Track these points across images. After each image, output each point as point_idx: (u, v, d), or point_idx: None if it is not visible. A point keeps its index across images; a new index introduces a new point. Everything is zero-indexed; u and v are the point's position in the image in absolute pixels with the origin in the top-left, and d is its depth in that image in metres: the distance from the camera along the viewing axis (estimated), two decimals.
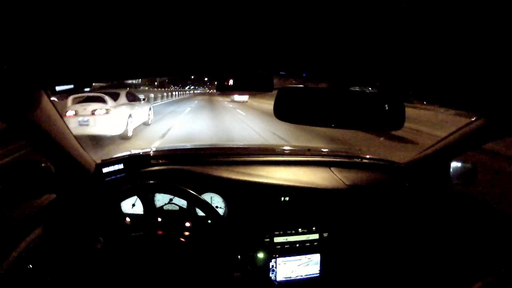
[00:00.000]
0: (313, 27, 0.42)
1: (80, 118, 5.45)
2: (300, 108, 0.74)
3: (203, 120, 9.66)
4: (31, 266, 0.83)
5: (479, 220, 1.21)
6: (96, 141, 5.51)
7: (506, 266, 1.07)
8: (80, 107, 5.64)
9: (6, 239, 0.84)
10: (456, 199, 1.27)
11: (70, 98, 5.86)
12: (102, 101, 5.84)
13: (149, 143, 5.87)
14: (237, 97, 21.96)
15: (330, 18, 0.39)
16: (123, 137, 6.07)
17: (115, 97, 6.22)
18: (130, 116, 6.31)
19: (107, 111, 5.67)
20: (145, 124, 7.81)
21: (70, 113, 5.51)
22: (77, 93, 5.88)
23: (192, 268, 0.86)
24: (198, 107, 15.81)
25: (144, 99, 7.93)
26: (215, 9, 0.37)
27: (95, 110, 5.59)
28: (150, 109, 8.41)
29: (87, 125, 5.47)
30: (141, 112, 7.37)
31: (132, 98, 7.13)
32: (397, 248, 1.31)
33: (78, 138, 1.03)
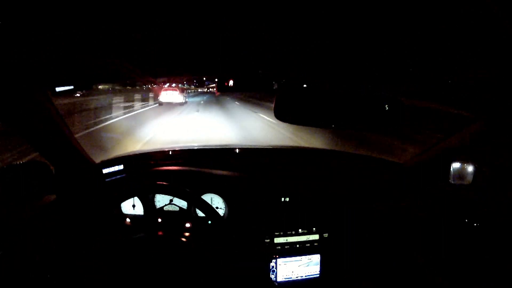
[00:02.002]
0: (314, 28, 0.42)
1: (169, 95, 15.21)
2: (300, 109, 0.74)
3: None
4: (30, 267, 0.83)
5: (478, 220, 1.20)
6: (173, 105, 14.56)
7: (505, 266, 1.07)
8: (168, 91, 15.35)
9: (6, 239, 0.84)
10: (456, 199, 1.27)
11: (163, 87, 15.74)
12: (176, 90, 15.53)
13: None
14: None
15: (330, 19, 0.39)
16: (181, 104, 15.32)
17: (179, 89, 16.36)
18: (184, 96, 16.55)
19: (178, 94, 15.53)
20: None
21: (164, 93, 15.23)
22: (164, 85, 17.06)
23: (192, 268, 0.86)
24: None
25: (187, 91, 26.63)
26: (216, 9, 0.37)
27: (173, 93, 15.34)
28: (187, 96, 20.05)
29: (170, 98, 15.07)
30: (186, 95, 19.16)
31: (182, 90, 17.64)
32: (397, 248, 1.31)
33: (81, 138, 1.03)
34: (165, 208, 1.19)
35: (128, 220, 1.18)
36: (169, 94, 15.22)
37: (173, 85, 16.19)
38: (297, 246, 1.20)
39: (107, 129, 7.62)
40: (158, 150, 1.47)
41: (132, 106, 13.76)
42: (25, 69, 0.56)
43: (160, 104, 14.95)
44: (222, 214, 1.20)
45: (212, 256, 0.88)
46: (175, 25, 0.42)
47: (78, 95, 12.28)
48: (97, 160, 1.21)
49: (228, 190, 1.20)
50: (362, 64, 0.59)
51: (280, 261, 1.18)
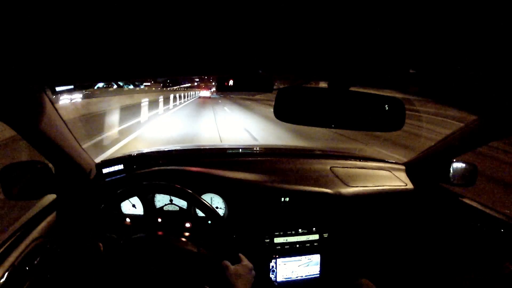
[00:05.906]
0: (313, 27, 0.42)
1: (203, 93, 32.50)
2: (300, 109, 0.74)
3: None
4: (30, 267, 0.83)
5: (478, 220, 1.20)
6: (210, 97, 28.70)
7: (506, 267, 1.07)
8: (203, 90, 35.62)
9: (6, 239, 0.84)
10: (455, 199, 1.27)
11: (202, 88, 45.14)
12: (208, 90, 34.80)
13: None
14: None
15: (330, 18, 0.39)
16: (209, 97, 29.21)
17: (208, 89, 35.99)
18: (211, 93, 32.98)
19: (209, 92, 32.31)
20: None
21: (202, 92, 33.67)
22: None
23: (192, 268, 0.86)
24: None
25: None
26: (215, 8, 0.37)
27: (206, 92, 32.60)
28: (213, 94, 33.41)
29: (204, 94, 31.66)
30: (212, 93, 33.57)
31: (211, 89, 38.27)
32: (397, 248, 1.31)
33: (78, 139, 1.03)
34: (165, 208, 1.19)
35: (128, 220, 1.18)
36: (204, 92, 31.05)
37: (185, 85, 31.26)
38: (297, 246, 1.20)
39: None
40: (158, 150, 1.47)
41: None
42: (25, 69, 0.57)
43: (200, 97, 29.11)
44: (222, 214, 1.20)
45: (212, 256, 0.88)
46: (174, 25, 0.42)
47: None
48: (97, 160, 1.21)
49: (228, 190, 1.20)
50: (362, 64, 0.59)
51: (280, 261, 1.18)
